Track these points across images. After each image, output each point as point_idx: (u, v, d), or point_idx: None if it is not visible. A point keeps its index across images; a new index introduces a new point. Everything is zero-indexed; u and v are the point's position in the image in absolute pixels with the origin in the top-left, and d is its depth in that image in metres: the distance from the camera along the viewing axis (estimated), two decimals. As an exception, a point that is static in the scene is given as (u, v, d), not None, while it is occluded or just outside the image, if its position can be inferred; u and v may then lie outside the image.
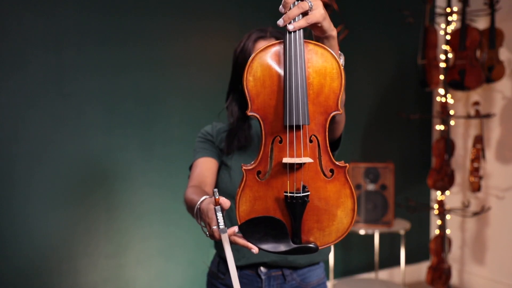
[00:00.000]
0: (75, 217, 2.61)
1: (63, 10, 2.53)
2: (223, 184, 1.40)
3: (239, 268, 1.39)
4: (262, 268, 1.38)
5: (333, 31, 0.98)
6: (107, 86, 2.66)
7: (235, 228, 0.95)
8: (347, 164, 1.00)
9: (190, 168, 1.45)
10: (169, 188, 2.80)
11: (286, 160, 0.95)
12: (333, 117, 1.17)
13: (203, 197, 1.05)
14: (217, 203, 0.95)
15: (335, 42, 1.00)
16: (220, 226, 0.94)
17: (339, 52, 1.02)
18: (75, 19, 2.56)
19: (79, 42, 2.57)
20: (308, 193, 0.96)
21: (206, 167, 1.39)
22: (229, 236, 0.95)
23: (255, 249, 0.94)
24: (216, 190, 0.96)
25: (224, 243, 0.94)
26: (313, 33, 0.99)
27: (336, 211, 0.99)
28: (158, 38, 2.78)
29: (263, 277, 1.38)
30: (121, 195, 2.71)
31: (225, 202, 0.95)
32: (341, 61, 1.02)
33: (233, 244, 0.97)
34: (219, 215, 0.94)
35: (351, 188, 0.99)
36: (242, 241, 0.95)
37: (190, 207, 1.16)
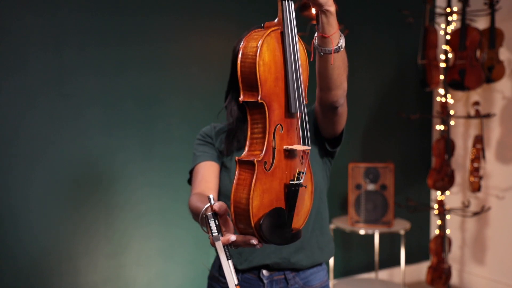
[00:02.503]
0: (75, 217, 2.61)
1: (63, 10, 2.53)
2: (223, 187, 1.37)
3: (240, 271, 1.36)
4: (264, 272, 1.35)
5: (330, 7, 0.95)
6: (107, 86, 2.66)
7: (231, 237, 0.93)
8: (310, 147, 1.01)
9: (190, 172, 1.42)
10: (169, 188, 2.80)
11: (299, 147, 0.94)
12: (336, 109, 1.18)
13: (208, 205, 1.03)
14: (211, 210, 0.93)
15: (333, 19, 0.97)
16: (214, 234, 0.92)
17: (340, 33, 1.00)
18: (75, 19, 2.56)
19: (79, 42, 2.57)
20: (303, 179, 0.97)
21: (208, 172, 1.36)
22: (232, 242, 0.93)
23: (254, 241, 0.92)
24: (211, 196, 0.94)
25: (218, 251, 0.93)
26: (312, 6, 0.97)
27: (305, 195, 1.02)
28: (158, 38, 2.78)
29: (265, 281, 1.35)
30: (121, 195, 2.71)
31: (220, 208, 0.93)
32: (341, 42, 1.01)
33: (235, 248, 0.95)
34: (212, 222, 0.93)
35: (311, 172, 1.03)
36: (241, 239, 0.93)
37: (196, 214, 1.14)
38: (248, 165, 0.91)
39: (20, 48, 2.44)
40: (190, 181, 1.45)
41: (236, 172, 0.92)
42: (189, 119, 2.85)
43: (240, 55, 0.92)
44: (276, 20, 0.97)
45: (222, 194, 1.37)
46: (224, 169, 1.40)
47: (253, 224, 0.90)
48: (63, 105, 2.55)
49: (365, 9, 3.44)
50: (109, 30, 2.64)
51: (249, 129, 0.95)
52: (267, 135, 0.93)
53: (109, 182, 2.69)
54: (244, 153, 0.94)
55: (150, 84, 2.77)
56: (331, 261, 3.24)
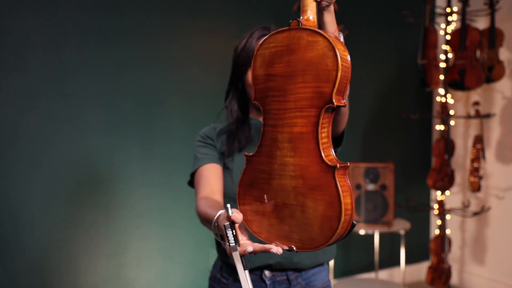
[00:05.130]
0: (75, 217, 2.61)
1: (63, 10, 2.53)
2: (225, 188, 1.36)
3: None
4: (266, 273, 1.34)
5: (332, 4, 0.96)
6: (107, 86, 2.66)
7: (247, 248, 0.92)
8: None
9: (192, 175, 1.40)
10: (169, 188, 2.80)
11: None
12: (338, 108, 1.18)
13: (219, 212, 1.03)
14: (228, 220, 0.92)
15: (333, 16, 0.98)
16: (231, 244, 0.91)
17: (339, 31, 1.00)
18: (75, 19, 2.56)
19: (79, 42, 2.57)
20: None
21: (211, 175, 1.34)
22: (252, 251, 0.92)
23: (274, 249, 0.92)
24: (228, 205, 0.93)
25: (235, 261, 0.92)
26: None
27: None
28: (158, 38, 2.78)
29: (267, 282, 1.34)
30: (121, 195, 2.71)
31: (237, 218, 0.92)
32: (341, 39, 1.00)
33: (253, 254, 0.95)
34: (229, 233, 0.92)
35: None
36: (259, 248, 0.92)
37: (206, 220, 1.13)
38: (344, 169, 0.90)
39: (20, 48, 2.44)
40: (190, 183, 1.44)
41: (336, 179, 0.88)
42: (189, 119, 2.85)
43: (340, 58, 0.87)
44: (309, 20, 0.94)
45: (224, 195, 1.36)
46: (225, 170, 1.38)
47: (349, 227, 0.89)
48: (63, 105, 2.55)
49: (365, 9, 3.44)
50: (109, 30, 2.64)
51: (318, 134, 0.90)
52: (330, 139, 0.92)
53: (109, 182, 2.69)
54: (324, 159, 0.90)
55: (150, 84, 2.77)
56: (331, 261, 3.24)
